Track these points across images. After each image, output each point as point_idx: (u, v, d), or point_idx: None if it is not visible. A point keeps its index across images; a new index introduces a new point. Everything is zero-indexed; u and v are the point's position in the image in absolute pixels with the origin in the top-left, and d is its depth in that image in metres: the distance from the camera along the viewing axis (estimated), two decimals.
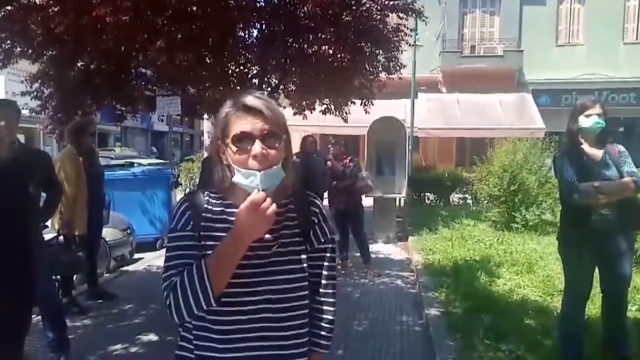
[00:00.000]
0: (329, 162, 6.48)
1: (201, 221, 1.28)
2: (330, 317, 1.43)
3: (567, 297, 3.23)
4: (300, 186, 1.40)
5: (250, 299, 1.24)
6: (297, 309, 1.29)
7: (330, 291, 1.42)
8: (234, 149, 1.23)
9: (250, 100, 1.26)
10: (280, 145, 1.25)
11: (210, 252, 1.23)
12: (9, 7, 5.32)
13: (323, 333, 1.41)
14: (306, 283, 1.32)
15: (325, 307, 1.41)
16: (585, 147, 3.04)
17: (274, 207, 1.17)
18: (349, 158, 6.34)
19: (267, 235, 1.23)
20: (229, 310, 1.24)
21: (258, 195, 1.16)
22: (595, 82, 16.71)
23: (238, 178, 1.22)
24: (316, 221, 1.37)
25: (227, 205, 1.30)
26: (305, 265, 1.32)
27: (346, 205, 6.20)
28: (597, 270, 3.13)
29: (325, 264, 1.39)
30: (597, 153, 3.03)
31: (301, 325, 1.31)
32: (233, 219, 1.21)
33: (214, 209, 1.30)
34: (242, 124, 1.23)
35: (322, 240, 1.37)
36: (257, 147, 1.20)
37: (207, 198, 1.32)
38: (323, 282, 1.40)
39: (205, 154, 11.68)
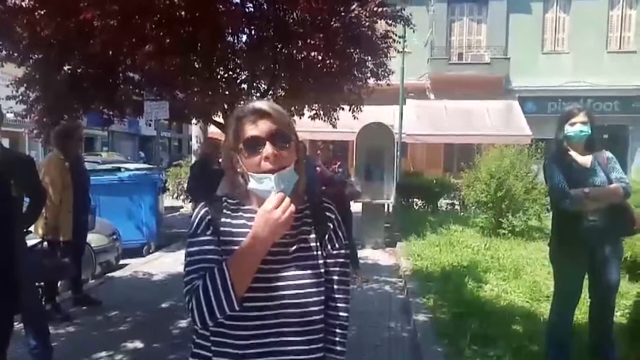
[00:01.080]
0: (317, 168, 6.48)
1: (220, 226, 1.30)
2: (345, 323, 1.43)
3: (557, 303, 3.25)
4: (314, 192, 1.42)
5: (270, 304, 1.25)
6: (314, 314, 1.30)
7: (343, 296, 1.42)
8: (246, 153, 1.25)
9: (257, 104, 1.29)
10: (291, 147, 1.27)
11: (229, 256, 1.24)
12: None
13: (338, 339, 1.41)
14: (323, 288, 1.33)
15: (339, 313, 1.42)
16: (574, 154, 3.08)
17: (291, 208, 1.18)
18: (338, 164, 6.34)
19: (286, 243, 1.26)
20: (249, 316, 1.24)
21: (275, 197, 1.18)
22: (580, 90, 16.97)
23: (252, 184, 1.25)
24: (332, 227, 1.39)
25: (245, 210, 1.33)
26: (322, 270, 1.34)
27: None
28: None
29: (339, 269, 1.41)
30: (586, 160, 3.07)
31: (318, 330, 1.32)
32: (251, 223, 1.23)
33: (233, 214, 1.32)
34: (252, 128, 1.25)
35: (337, 246, 1.39)
36: (268, 148, 1.22)
37: (226, 204, 1.34)
38: (337, 287, 1.40)
39: (194, 159, 11.62)
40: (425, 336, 4.06)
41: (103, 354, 3.77)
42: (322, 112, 9.92)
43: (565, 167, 3.06)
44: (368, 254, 7.63)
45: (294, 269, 1.28)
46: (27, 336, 3.41)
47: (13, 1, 5.34)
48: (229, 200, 1.35)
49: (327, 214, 1.40)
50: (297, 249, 1.30)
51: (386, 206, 9.10)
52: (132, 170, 8.62)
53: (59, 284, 4.86)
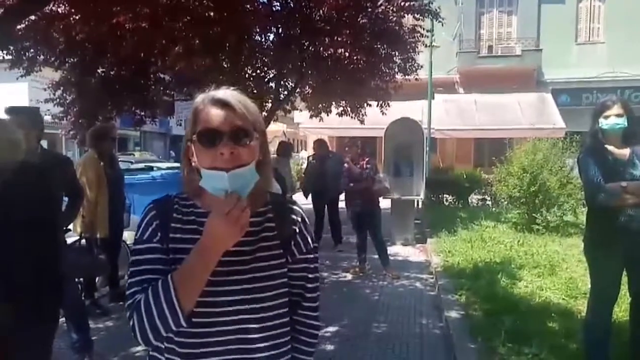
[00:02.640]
0: (345, 164, 6.47)
1: (170, 232, 1.15)
2: (315, 332, 1.31)
3: (593, 301, 3.16)
4: (305, 191, 1.30)
5: (225, 319, 1.12)
6: (278, 327, 1.18)
7: (313, 305, 1.29)
8: (200, 146, 1.09)
9: (220, 93, 1.14)
10: (253, 144, 1.11)
11: (179, 265, 1.09)
12: (32, 17, 5.46)
13: (306, 348, 1.29)
14: (286, 299, 1.20)
15: (309, 321, 1.29)
16: (610, 147, 2.97)
17: (246, 212, 1.04)
18: (366, 160, 6.31)
19: (244, 251, 1.14)
20: (198, 332, 1.11)
21: (227, 199, 1.03)
22: (617, 81, 16.39)
23: (204, 180, 1.09)
24: (297, 230, 1.24)
25: (198, 213, 1.17)
26: (286, 279, 1.20)
27: (362, 207, 6.18)
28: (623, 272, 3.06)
29: (308, 275, 1.26)
30: (623, 153, 2.96)
31: (283, 343, 1.20)
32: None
33: (184, 217, 1.18)
34: (209, 119, 1.10)
35: (304, 250, 1.25)
36: (223, 143, 1.07)
37: (177, 205, 1.19)
38: (306, 295, 1.26)
39: None
40: (457, 333, 4.01)
41: (140, 347, 3.87)
42: (349, 109, 9.90)
43: (600, 160, 2.95)
44: (398, 251, 7.58)
45: (253, 281, 1.14)
46: (69, 331, 3.54)
47: (49, 8, 5.53)
48: (181, 202, 1.20)
49: (292, 216, 1.25)
50: (256, 258, 1.16)
51: (416, 202, 9.02)
52: (164, 169, 8.81)
53: (97, 280, 5.02)
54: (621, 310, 3.63)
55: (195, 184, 1.13)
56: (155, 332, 1.08)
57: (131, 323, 1.10)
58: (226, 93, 1.15)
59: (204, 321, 1.11)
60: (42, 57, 6.70)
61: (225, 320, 1.12)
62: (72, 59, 6.80)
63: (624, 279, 3.06)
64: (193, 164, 1.14)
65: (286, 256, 1.21)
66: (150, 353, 1.21)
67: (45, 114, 8.80)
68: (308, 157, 9.19)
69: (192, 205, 1.19)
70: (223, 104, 1.12)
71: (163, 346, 1.15)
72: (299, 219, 1.26)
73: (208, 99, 1.14)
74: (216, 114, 1.10)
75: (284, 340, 1.20)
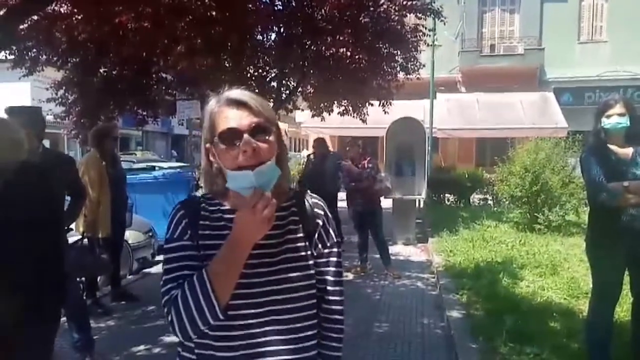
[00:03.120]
0: (343, 163, 6.48)
1: (199, 229, 1.20)
2: (340, 326, 1.34)
3: (595, 301, 3.15)
4: (303, 187, 1.34)
5: (257, 311, 1.15)
6: (306, 319, 1.21)
7: (338, 298, 1.32)
8: (222, 147, 1.13)
9: (233, 93, 1.18)
10: (272, 139, 1.15)
11: (210, 262, 1.13)
12: (34, 17, 5.47)
13: (333, 344, 1.32)
14: (314, 291, 1.24)
15: (334, 316, 1.32)
16: (613, 147, 2.96)
17: (272, 205, 1.06)
18: (367, 159, 6.29)
19: (272, 243, 1.17)
20: (234, 325, 1.14)
21: (256, 195, 1.06)
22: (620, 80, 16.34)
23: (230, 181, 1.12)
24: (321, 224, 1.28)
25: (225, 210, 1.22)
26: (312, 271, 1.24)
27: (364, 206, 6.18)
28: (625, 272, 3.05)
29: (332, 268, 1.30)
30: (626, 152, 2.95)
31: (312, 336, 1.23)
32: (232, 224, 1.12)
33: (211, 215, 1.22)
34: (228, 120, 1.14)
35: (328, 244, 1.29)
36: (245, 141, 1.10)
37: (203, 204, 1.24)
38: (330, 288, 1.30)
39: None
40: (459, 332, 4.01)
41: (141, 347, 3.88)
42: (351, 108, 9.89)
43: (602, 159, 2.95)
44: (399, 250, 7.58)
45: (282, 272, 1.18)
46: (70, 329, 3.55)
47: (52, 8, 5.54)
48: (207, 201, 1.24)
49: (316, 210, 1.29)
50: (283, 250, 1.20)
51: (417, 202, 9.01)
52: (165, 168, 8.82)
53: (99, 279, 5.03)
54: (623, 310, 3.63)
55: (219, 184, 1.18)
56: (193, 326, 1.11)
57: (169, 319, 1.13)
58: (239, 92, 1.18)
59: (238, 313, 1.14)
60: (44, 56, 6.71)
61: (256, 312, 1.15)
62: (74, 59, 6.81)
63: (626, 278, 3.06)
64: (215, 165, 1.19)
65: (311, 249, 1.25)
66: (181, 353, 1.24)
67: (48, 114, 8.83)
68: (308, 156, 9.20)
69: (217, 203, 1.24)
70: (238, 103, 1.15)
71: (192, 344, 1.18)
72: (323, 213, 1.30)
73: (222, 101, 1.18)
74: (234, 114, 1.14)
75: (312, 333, 1.23)
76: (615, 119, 2.92)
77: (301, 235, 1.24)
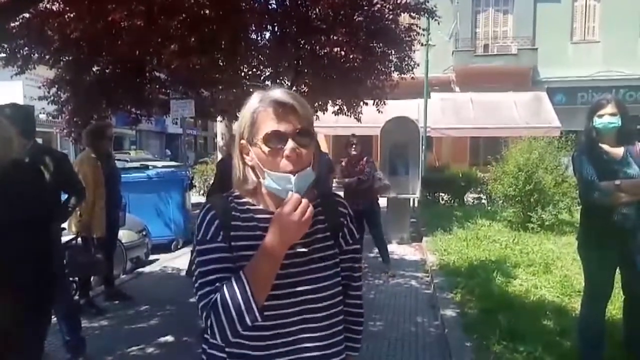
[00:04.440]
0: (342, 163, 6.44)
1: (231, 230, 1.18)
2: (361, 319, 1.41)
3: (587, 299, 3.17)
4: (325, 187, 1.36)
5: (290, 311, 1.17)
6: (336, 316, 1.24)
7: (359, 293, 1.39)
8: (266, 149, 1.13)
9: (281, 96, 1.16)
10: (312, 144, 1.17)
11: (243, 263, 1.14)
12: (26, 15, 5.42)
13: (355, 336, 1.39)
14: (341, 288, 1.27)
15: (356, 310, 1.39)
16: (604, 146, 2.98)
17: (310, 209, 1.10)
18: (365, 158, 6.20)
19: (302, 243, 1.18)
20: (267, 325, 1.15)
21: (295, 199, 1.09)
22: (612, 80, 16.48)
23: (269, 182, 1.14)
24: (345, 222, 1.31)
25: (256, 211, 1.22)
26: (339, 269, 1.27)
27: (363, 205, 6.14)
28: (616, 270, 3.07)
29: (354, 265, 1.35)
30: (617, 152, 2.97)
31: (340, 332, 1.26)
32: (264, 225, 1.14)
33: (242, 215, 1.21)
34: (274, 122, 1.13)
35: (351, 242, 1.32)
36: (290, 147, 1.12)
37: (233, 204, 1.23)
38: (352, 284, 1.35)
39: (220, 156, 11.76)
40: (453, 331, 4.02)
41: (135, 347, 3.86)
42: (345, 107, 9.89)
43: (594, 159, 2.97)
44: (394, 249, 7.58)
45: (313, 272, 1.20)
46: (60, 330, 3.52)
47: (44, 5, 5.50)
48: (236, 200, 1.23)
49: (340, 208, 1.32)
50: (312, 250, 1.22)
51: (411, 201, 9.03)
52: (159, 168, 8.79)
53: (92, 279, 5.00)
54: (615, 308, 3.65)
55: (251, 182, 1.20)
56: (233, 329, 1.11)
57: (209, 323, 1.13)
58: (285, 94, 1.17)
59: (272, 314, 1.16)
60: (36, 55, 6.65)
61: (289, 312, 1.17)
62: (66, 57, 6.75)
63: (618, 277, 3.08)
64: (249, 162, 1.19)
65: (337, 247, 1.28)
66: (207, 351, 1.25)
67: (40, 112, 8.78)
68: None
69: (246, 203, 1.23)
70: (285, 105, 1.15)
71: (223, 354, 1.21)
72: (346, 212, 1.33)
73: (268, 101, 1.16)
74: (281, 116, 1.14)
75: (340, 329, 1.27)
76: (607, 118, 2.94)
77: (328, 234, 1.27)
